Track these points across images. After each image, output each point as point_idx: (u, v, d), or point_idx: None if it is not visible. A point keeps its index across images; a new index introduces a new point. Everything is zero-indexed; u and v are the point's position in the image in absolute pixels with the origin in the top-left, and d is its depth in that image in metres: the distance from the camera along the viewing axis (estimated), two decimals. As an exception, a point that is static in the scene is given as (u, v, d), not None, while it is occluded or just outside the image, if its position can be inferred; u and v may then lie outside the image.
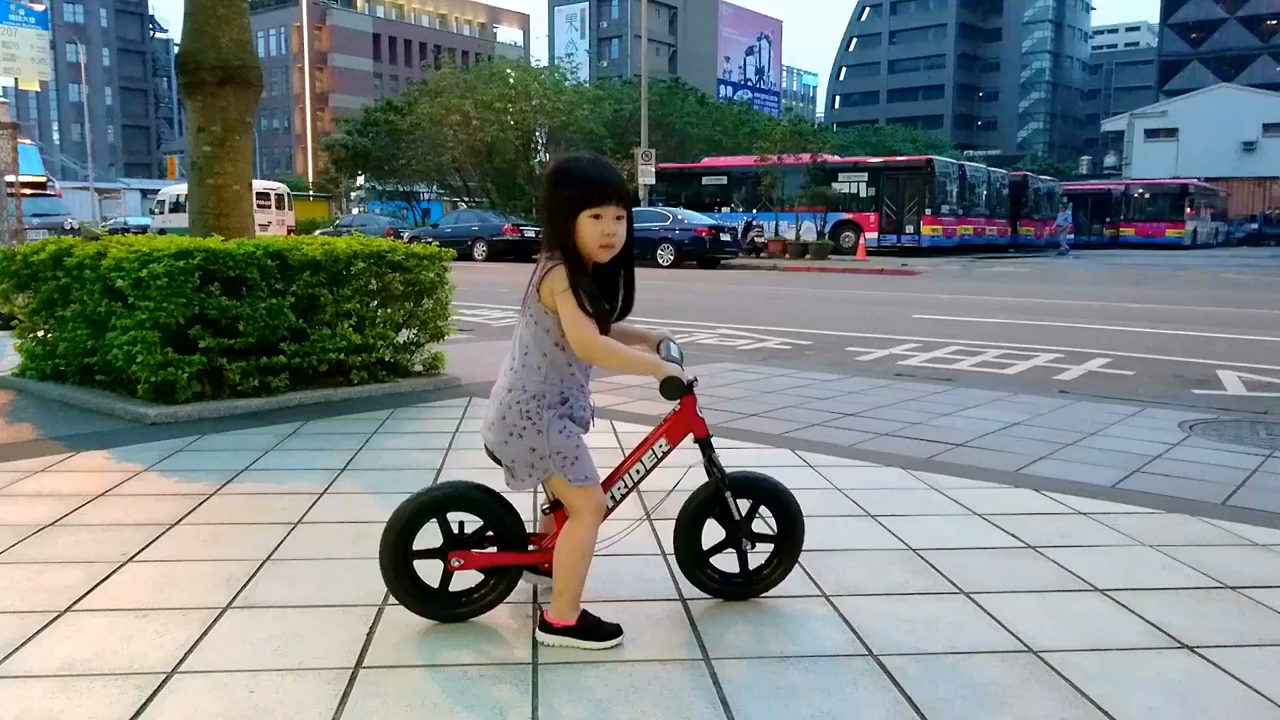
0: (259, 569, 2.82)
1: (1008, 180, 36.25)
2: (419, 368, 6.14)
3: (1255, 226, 52.29)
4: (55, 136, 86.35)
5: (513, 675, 2.19)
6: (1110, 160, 73.66)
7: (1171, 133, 62.20)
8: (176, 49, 6.45)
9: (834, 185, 31.21)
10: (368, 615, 2.50)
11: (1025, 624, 2.50)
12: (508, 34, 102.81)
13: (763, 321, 10.83)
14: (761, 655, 2.32)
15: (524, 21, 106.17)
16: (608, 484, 2.42)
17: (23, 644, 2.31)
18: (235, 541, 3.08)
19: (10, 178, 13.33)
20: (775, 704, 2.07)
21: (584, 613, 2.36)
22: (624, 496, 2.46)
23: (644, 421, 4.92)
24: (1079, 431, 4.91)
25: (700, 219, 25.29)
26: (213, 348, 4.99)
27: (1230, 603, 2.68)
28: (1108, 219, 44.29)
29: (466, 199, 43.74)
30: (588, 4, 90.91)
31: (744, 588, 2.64)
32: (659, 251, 23.88)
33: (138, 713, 1.99)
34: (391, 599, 2.58)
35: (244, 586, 2.68)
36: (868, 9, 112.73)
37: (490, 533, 2.43)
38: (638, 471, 2.45)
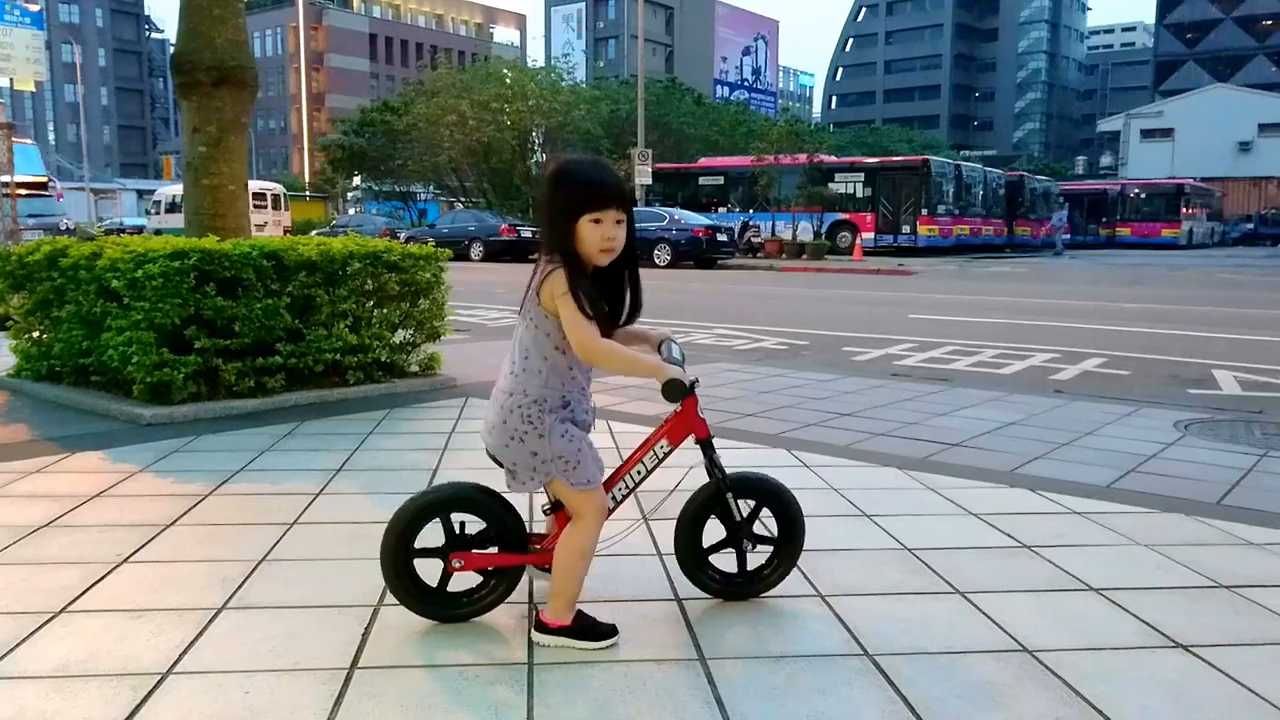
0: (254, 569, 2.82)
1: (1004, 180, 36.30)
2: (415, 368, 6.14)
3: (1251, 226, 52.42)
4: (51, 137, 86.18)
5: (508, 675, 2.19)
6: (1106, 160, 73.82)
7: (1167, 133, 62.31)
8: (172, 49, 6.44)
9: (830, 185, 31.26)
10: (363, 616, 2.50)
11: (1020, 623, 2.50)
12: (504, 34, 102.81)
13: (759, 321, 10.84)
14: (757, 655, 2.32)
15: (520, 22, 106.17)
16: (609, 485, 2.42)
17: (17, 645, 2.30)
18: (231, 542, 3.07)
19: (5, 178, 13.30)
20: (770, 704, 2.07)
21: (579, 613, 2.36)
22: (625, 497, 2.46)
23: (640, 422, 4.93)
24: (1074, 431, 4.92)
25: (697, 219, 25.31)
26: (208, 348, 4.98)
27: (1225, 602, 2.68)
28: (1104, 219, 44.37)
29: (463, 199, 43.71)
30: (584, 4, 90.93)
31: (744, 588, 2.64)
32: (656, 252, 23.88)
33: (132, 713, 1.99)
34: (387, 599, 2.58)
35: (239, 587, 2.68)
36: (864, 9, 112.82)
37: (491, 534, 2.43)
38: (639, 472, 2.45)
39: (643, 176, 28.04)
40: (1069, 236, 39.13)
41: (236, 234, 5.95)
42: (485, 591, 2.46)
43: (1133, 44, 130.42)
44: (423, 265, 5.89)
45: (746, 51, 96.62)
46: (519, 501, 2.49)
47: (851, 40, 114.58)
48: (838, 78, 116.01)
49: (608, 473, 2.43)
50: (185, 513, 3.36)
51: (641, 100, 30.74)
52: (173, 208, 31.07)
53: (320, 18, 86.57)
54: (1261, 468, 4.23)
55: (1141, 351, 8.52)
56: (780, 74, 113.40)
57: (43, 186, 25.74)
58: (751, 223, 30.28)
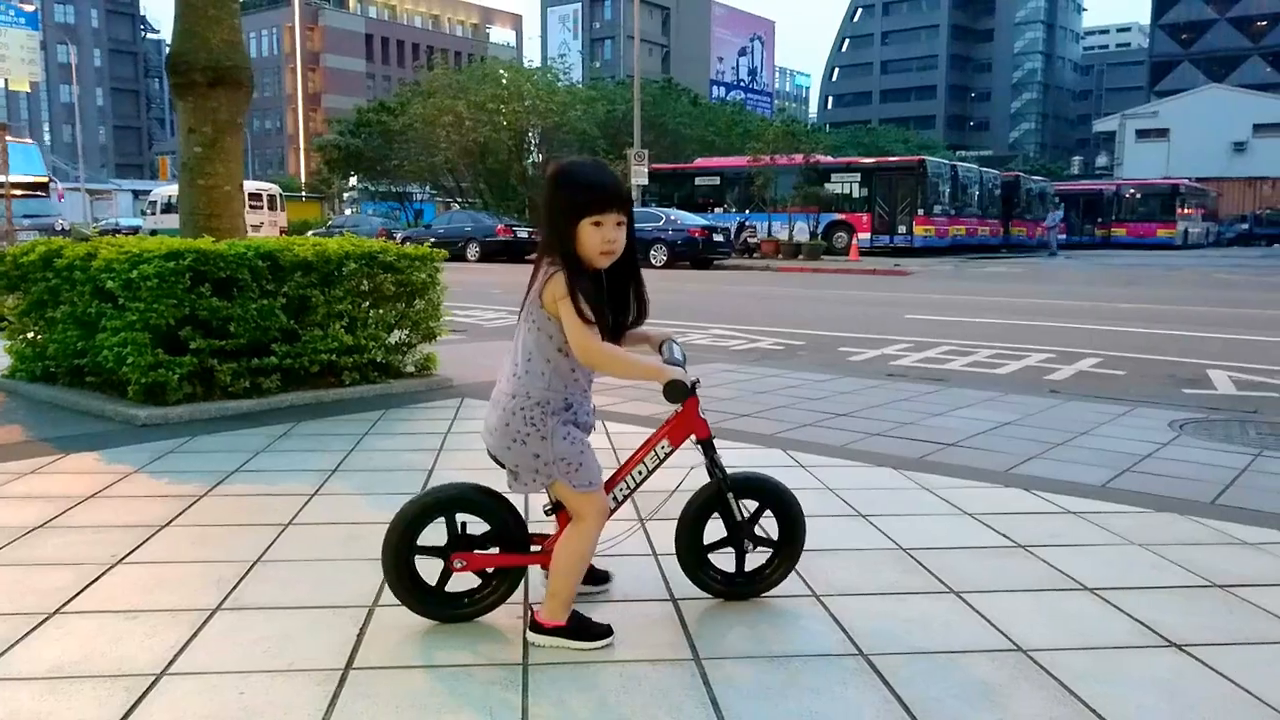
0: (249, 570, 2.81)
1: (1000, 181, 36.36)
2: (411, 369, 6.13)
3: (1246, 227, 52.52)
4: (46, 137, 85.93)
5: (503, 675, 2.19)
6: (1102, 160, 74.02)
7: (1163, 133, 62.44)
8: (167, 50, 6.43)
9: (827, 186, 31.28)
10: (358, 616, 2.50)
11: (1015, 623, 2.50)
12: (500, 34, 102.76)
13: (755, 322, 10.84)
14: (752, 655, 2.32)
15: (517, 22, 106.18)
16: (610, 485, 2.43)
17: (11, 646, 2.30)
18: (226, 543, 3.07)
19: (0, 178, 13.27)
20: (765, 704, 2.07)
21: (574, 613, 2.36)
22: (626, 498, 2.47)
23: (637, 422, 4.93)
24: (1070, 431, 4.93)
25: (693, 219, 25.32)
26: (204, 349, 4.97)
27: (1219, 601, 2.69)
28: (1099, 219, 44.42)
29: (459, 200, 43.70)
30: (580, 5, 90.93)
31: (745, 588, 2.64)
32: (652, 252, 23.88)
33: (126, 714, 1.99)
34: (383, 600, 2.58)
35: (234, 588, 2.67)
36: (860, 10, 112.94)
37: (493, 534, 2.43)
38: (640, 473, 2.45)
39: (639, 177, 28.03)
40: (1064, 237, 39.18)
41: (232, 234, 5.94)
42: (487, 592, 2.46)
43: (1128, 44, 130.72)
44: (418, 266, 5.89)
45: (743, 52, 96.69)
46: (519, 501, 2.49)
47: (847, 41, 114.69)
48: (834, 78, 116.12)
49: (608, 474, 2.43)
50: (180, 513, 3.36)
51: (638, 101, 30.76)
52: (168, 208, 31.01)
53: (316, 18, 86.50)
54: (1256, 467, 4.24)
55: (1137, 351, 8.53)
56: (776, 74, 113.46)
57: (44, 187, 25.68)
58: (748, 223, 30.31)
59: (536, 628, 2.34)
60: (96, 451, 4.24)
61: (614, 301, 2.32)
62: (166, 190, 33.11)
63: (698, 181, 34.57)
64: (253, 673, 2.18)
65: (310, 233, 26.91)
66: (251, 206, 29.73)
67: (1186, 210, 43.60)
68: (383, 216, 42.97)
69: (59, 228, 22.09)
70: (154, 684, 2.12)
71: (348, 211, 52.48)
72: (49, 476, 3.86)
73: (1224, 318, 11.80)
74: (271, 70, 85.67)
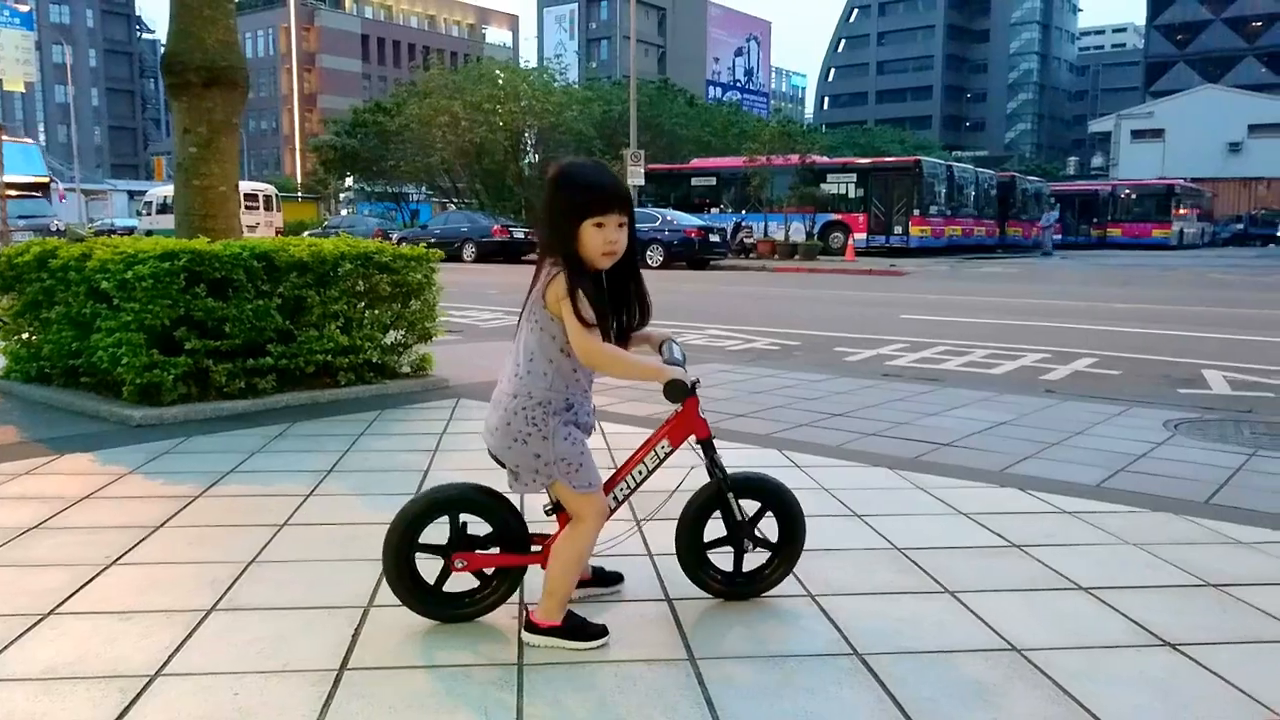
0: (244, 571, 2.81)
1: (995, 181, 36.38)
2: (406, 369, 6.13)
3: (1241, 227, 52.66)
4: (41, 138, 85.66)
5: (498, 676, 2.19)
6: (1097, 161, 74.05)
7: (1158, 133, 62.56)
8: (163, 50, 6.43)
9: (823, 186, 31.28)
10: (353, 617, 2.49)
11: (1009, 623, 2.51)
12: (496, 35, 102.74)
13: (751, 322, 10.85)
14: (747, 655, 2.32)
15: (513, 22, 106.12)
16: (610, 486, 2.43)
17: (5, 647, 2.30)
18: (221, 544, 3.07)
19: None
20: (760, 703, 2.08)
21: (570, 613, 2.36)
22: (626, 498, 2.47)
23: (633, 422, 4.93)
24: (1064, 431, 4.93)
25: (689, 220, 25.34)
26: (199, 349, 4.97)
27: (1213, 600, 2.69)
28: (1095, 219, 44.49)
29: (455, 200, 43.65)
30: (577, 5, 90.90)
31: (745, 588, 2.65)
32: (648, 253, 23.88)
33: (120, 715, 1.98)
34: (378, 601, 2.58)
35: (229, 589, 2.67)
36: (856, 10, 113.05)
37: (495, 535, 2.43)
38: (640, 473, 2.46)
39: (635, 177, 28.02)
40: (1060, 237, 39.22)
41: (227, 235, 5.93)
42: (487, 592, 2.47)
43: (1123, 45, 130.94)
44: (414, 266, 5.88)
45: (739, 52, 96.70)
46: (517, 501, 2.49)
47: (844, 41, 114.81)
48: (830, 79, 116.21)
49: (608, 474, 2.43)
50: (175, 514, 3.35)
51: (634, 101, 30.76)
52: (164, 209, 30.95)
53: (312, 18, 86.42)
54: (1250, 467, 4.25)
55: (1132, 351, 8.55)
56: (772, 75, 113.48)
57: (44, 187, 25.63)
58: (744, 223, 30.33)
59: (532, 628, 2.34)
60: (91, 452, 4.23)
61: (615, 302, 2.32)
62: (162, 191, 33.07)
63: (694, 182, 34.57)
64: (247, 673, 2.17)
65: (306, 233, 26.89)
66: (247, 207, 29.71)
67: (1182, 210, 43.69)
68: (379, 217, 42.91)
69: (54, 228, 22.05)
70: (148, 685, 2.12)
71: (344, 212, 52.42)
72: (44, 477, 3.85)
73: (1219, 318, 11.82)
74: (267, 70, 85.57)
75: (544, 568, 2.42)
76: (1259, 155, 60.59)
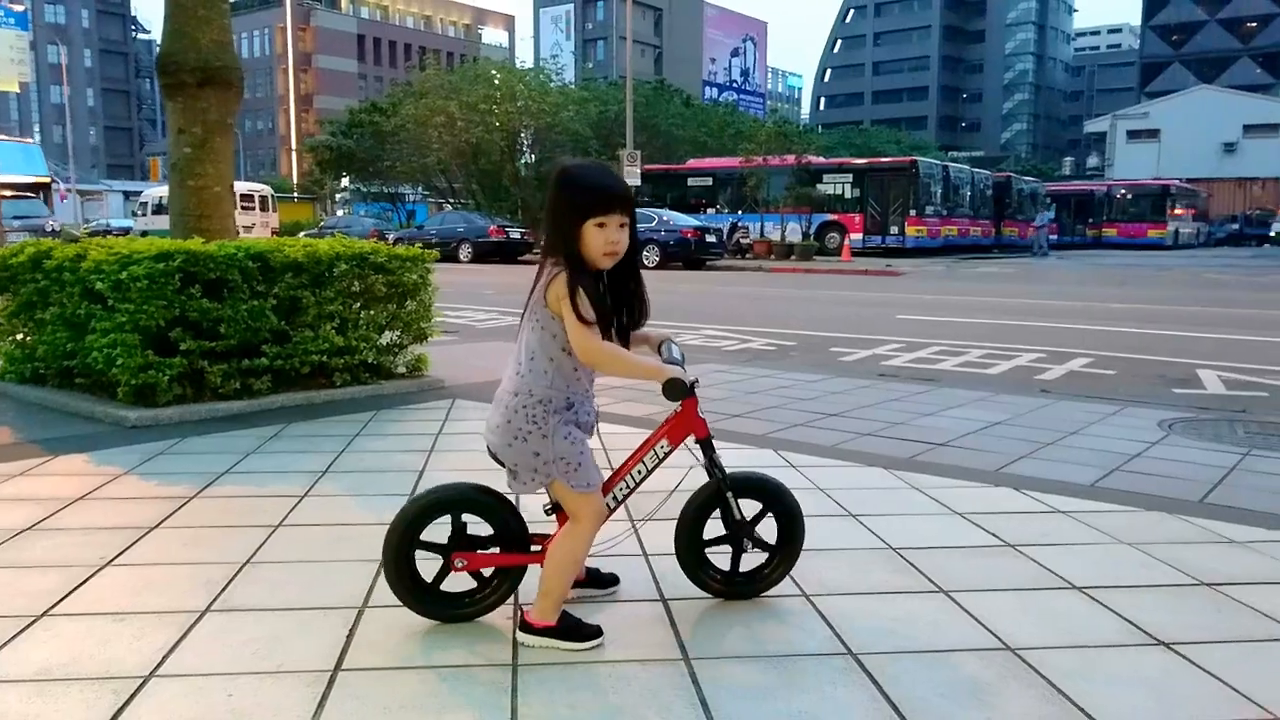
0: (238, 572, 2.81)
1: (991, 181, 36.43)
2: (402, 370, 6.13)
3: (1236, 227, 52.78)
4: (37, 138, 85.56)
5: (492, 676, 2.19)
6: (1093, 161, 74.16)
7: (1153, 134, 62.66)
8: (158, 50, 6.42)
9: (819, 186, 31.31)
10: (348, 618, 2.49)
11: (1004, 622, 2.51)
12: (493, 35, 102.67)
13: (747, 322, 10.85)
14: (741, 655, 2.32)
15: (509, 23, 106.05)
16: (609, 485, 2.44)
17: (-2, 649, 2.29)
18: (215, 545, 3.06)
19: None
20: (754, 703, 2.08)
21: (565, 613, 2.36)
22: (625, 498, 2.47)
23: (629, 423, 4.93)
24: (1059, 431, 4.94)
25: (686, 220, 25.34)
26: (194, 350, 4.96)
27: (1207, 600, 2.70)
28: (1090, 220, 44.59)
29: (452, 200, 43.59)
30: (573, 5, 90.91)
31: (745, 587, 2.65)
32: (645, 253, 23.88)
33: (114, 717, 1.98)
34: (372, 601, 2.58)
35: (223, 590, 2.67)
36: (852, 11, 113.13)
37: (495, 535, 2.43)
38: (639, 472, 2.46)
39: (631, 178, 28.00)
40: (1056, 237, 39.24)
41: (222, 235, 5.92)
42: (488, 592, 2.47)
43: (1119, 45, 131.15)
44: (409, 266, 5.88)
45: (735, 53, 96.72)
46: (517, 501, 2.49)
47: (840, 42, 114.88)
48: (826, 79, 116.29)
49: (607, 474, 2.44)
50: (170, 515, 3.35)
51: (630, 101, 30.74)
52: (159, 209, 30.95)
53: (308, 18, 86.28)
54: (1244, 466, 4.26)
55: (1127, 351, 8.56)
56: (769, 75, 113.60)
57: (46, 188, 25.59)
58: (740, 224, 30.35)
59: (526, 628, 2.34)
60: (86, 453, 4.22)
61: (616, 302, 2.33)
62: (157, 191, 33.04)
63: (690, 182, 34.59)
64: (241, 674, 2.17)
65: (302, 234, 26.85)
66: (243, 207, 29.69)
67: (1177, 211, 43.77)
68: (375, 217, 42.89)
69: (49, 229, 22.01)
70: (142, 686, 2.11)
71: (340, 212, 52.33)
72: (38, 478, 3.85)
73: (1214, 317, 11.84)
74: (263, 71, 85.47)
75: (542, 567, 2.43)
76: (1254, 155, 60.74)
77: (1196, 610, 2.62)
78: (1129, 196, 44.01)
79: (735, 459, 4.10)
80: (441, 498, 2.43)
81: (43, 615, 2.49)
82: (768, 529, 2.63)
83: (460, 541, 2.42)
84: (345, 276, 5.52)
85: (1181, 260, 30.88)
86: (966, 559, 3.01)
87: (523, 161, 39.86)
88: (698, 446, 2.47)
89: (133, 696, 2.07)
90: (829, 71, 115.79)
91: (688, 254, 24.09)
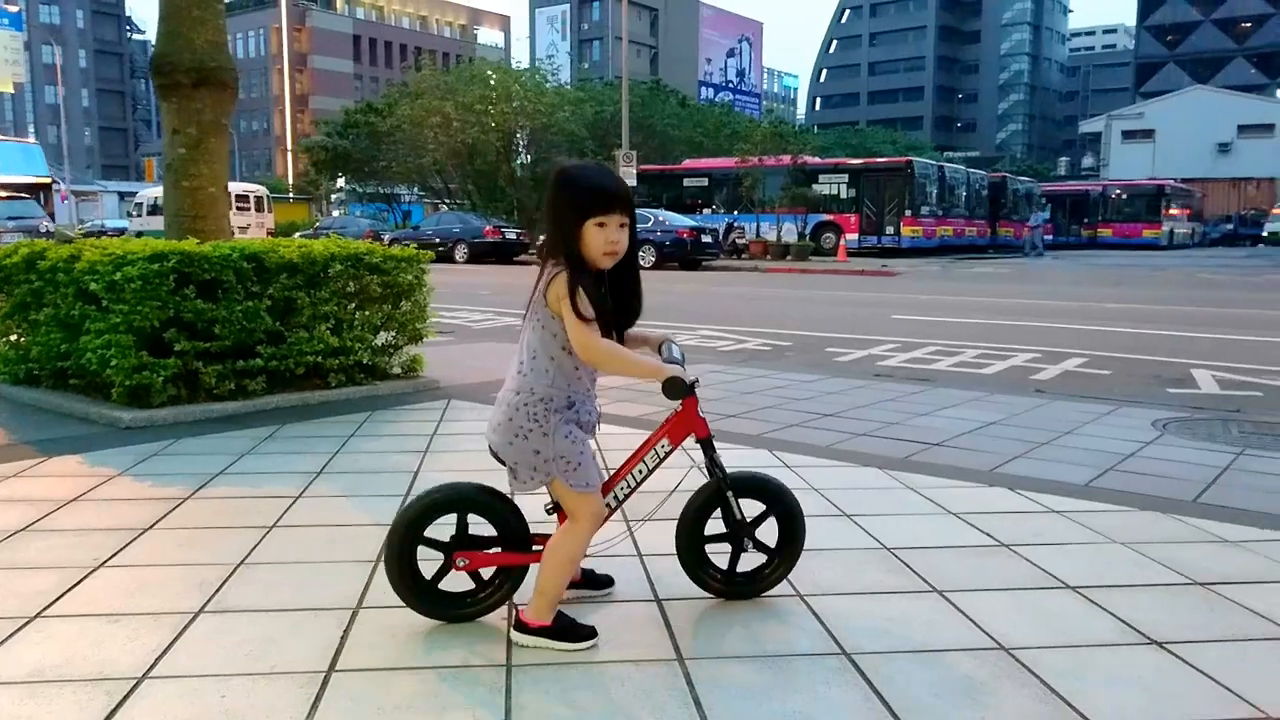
0: (233, 573, 2.80)
1: (987, 181, 36.49)
2: (397, 370, 6.12)
3: (1231, 227, 52.89)
4: (32, 139, 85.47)
5: (486, 676, 2.19)
6: (1088, 161, 74.35)
7: (1148, 134, 62.76)
8: (153, 51, 6.41)
9: (814, 187, 31.34)
10: (342, 618, 2.49)
11: (998, 622, 2.52)
12: (488, 35, 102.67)
13: (743, 323, 10.86)
14: (736, 655, 2.32)
15: (505, 23, 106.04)
16: (609, 485, 2.44)
17: (-9, 650, 2.29)
18: (209, 546, 3.06)
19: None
20: (748, 703, 2.08)
21: (559, 613, 2.36)
22: (625, 498, 2.48)
23: (625, 423, 4.93)
24: (1054, 430, 4.95)
25: (681, 220, 25.33)
26: (188, 351, 4.95)
27: (1200, 599, 2.71)
28: (1085, 220, 44.65)
29: (447, 201, 43.56)
30: (569, 6, 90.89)
31: (745, 587, 2.65)
32: (640, 253, 23.82)
33: (107, 718, 1.98)
34: (366, 602, 2.58)
35: (217, 591, 2.67)
36: (848, 11, 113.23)
37: (497, 535, 2.43)
38: (640, 472, 2.47)
39: (627, 178, 28.03)
40: (1051, 237, 39.27)
41: (217, 236, 5.92)
42: (490, 591, 2.47)
43: (1114, 46, 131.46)
44: (404, 267, 5.88)
45: (731, 53, 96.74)
46: (521, 501, 2.49)
47: (835, 42, 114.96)
48: (822, 79, 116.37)
49: (607, 475, 2.44)
50: (164, 516, 3.34)
51: (626, 102, 30.72)
52: (154, 210, 30.91)
53: (303, 19, 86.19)
54: (1238, 466, 4.27)
55: (1122, 351, 8.58)
56: (764, 76, 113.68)
57: (46, 189, 25.52)
58: (736, 224, 30.34)
59: (521, 627, 2.34)
60: (80, 454, 4.21)
61: (616, 301, 2.34)
62: (152, 192, 32.98)
63: (686, 183, 34.60)
64: (234, 676, 2.17)
65: (297, 234, 26.83)
66: (238, 208, 29.66)
67: (1172, 211, 43.84)
68: (371, 218, 42.84)
69: (43, 230, 21.97)
70: (135, 687, 2.11)
71: (335, 213, 52.30)
72: (32, 479, 3.84)
73: (1209, 317, 11.87)
74: (258, 71, 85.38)
75: None
76: (1248, 156, 60.87)
77: (1190, 610, 2.63)
78: (1124, 197, 44.09)
79: (731, 459, 4.08)
80: (445, 497, 2.43)
81: (36, 616, 2.48)
82: (768, 529, 2.63)
83: (463, 540, 2.42)
84: (340, 277, 5.51)
85: (1176, 260, 30.94)
86: (961, 559, 3.01)
87: (518, 162, 39.85)
88: (698, 446, 2.47)
89: (126, 698, 2.06)
90: (824, 72, 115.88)
91: (683, 254, 24.09)
